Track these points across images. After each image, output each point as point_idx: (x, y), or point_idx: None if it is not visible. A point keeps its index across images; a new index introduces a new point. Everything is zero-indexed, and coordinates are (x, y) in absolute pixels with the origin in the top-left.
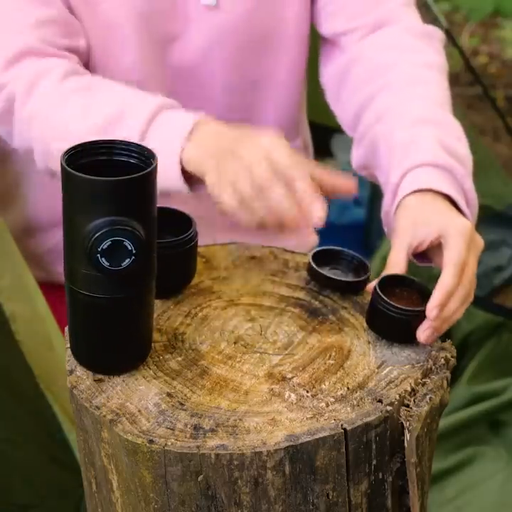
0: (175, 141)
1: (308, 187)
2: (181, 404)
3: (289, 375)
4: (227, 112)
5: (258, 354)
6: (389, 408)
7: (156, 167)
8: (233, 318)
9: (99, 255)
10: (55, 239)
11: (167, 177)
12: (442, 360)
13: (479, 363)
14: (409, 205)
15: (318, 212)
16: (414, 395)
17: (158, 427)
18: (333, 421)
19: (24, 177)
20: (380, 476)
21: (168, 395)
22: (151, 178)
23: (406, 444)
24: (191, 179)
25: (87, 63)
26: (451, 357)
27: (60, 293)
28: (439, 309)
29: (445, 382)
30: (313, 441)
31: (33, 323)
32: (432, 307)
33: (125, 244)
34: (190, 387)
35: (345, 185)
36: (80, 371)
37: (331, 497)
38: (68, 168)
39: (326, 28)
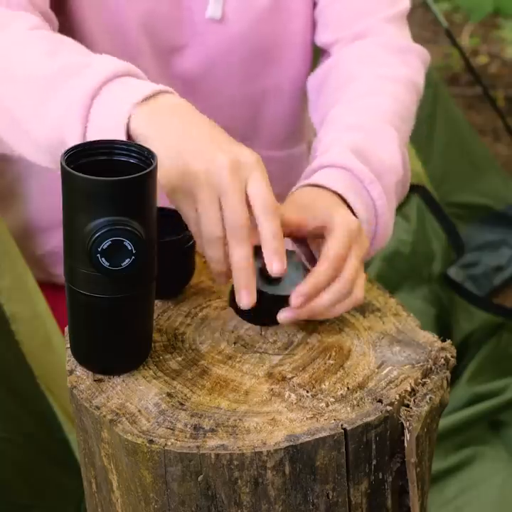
0: (124, 105)
1: (279, 239)
2: (181, 404)
3: (289, 375)
4: (233, 121)
5: (258, 354)
6: (389, 408)
7: (156, 167)
8: (233, 318)
9: (99, 255)
10: (54, 241)
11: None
12: (442, 360)
13: (479, 363)
14: (297, 194)
15: (276, 267)
16: (414, 395)
17: (158, 427)
18: (333, 421)
19: (25, 178)
20: (380, 476)
21: (168, 395)
22: (151, 178)
23: (406, 444)
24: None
25: None
26: (451, 357)
27: (60, 293)
28: (305, 298)
29: (445, 382)
30: (313, 441)
31: (33, 324)
32: (297, 295)
33: (125, 244)
34: (190, 387)
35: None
36: (80, 371)
37: (331, 497)
38: (68, 168)
39: (317, 39)
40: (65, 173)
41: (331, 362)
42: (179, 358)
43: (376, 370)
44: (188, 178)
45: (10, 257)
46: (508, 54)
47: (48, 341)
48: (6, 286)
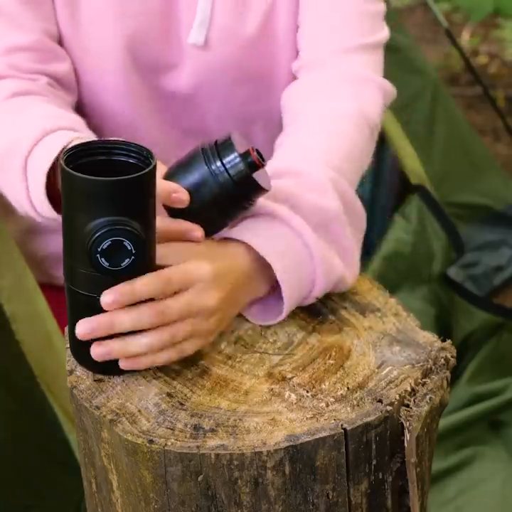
0: (46, 160)
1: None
2: (181, 404)
3: (289, 375)
4: None
5: (258, 354)
6: (389, 408)
7: (155, 167)
8: (233, 318)
9: (99, 255)
10: (55, 244)
11: (36, 198)
12: (442, 360)
13: (479, 363)
14: (206, 247)
15: None
16: (414, 395)
17: (158, 427)
18: (333, 421)
19: None
20: (380, 476)
21: (168, 395)
22: (150, 177)
23: (406, 444)
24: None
25: (73, 86)
26: (451, 357)
27: (60, 294)
28: (114, 298)
29: (445, 382)
30: (313, 441)
31: (33, 323)
32: (107, 292)
33: (125, 244)
34: (190, 387)
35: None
36: (80, 371)
37: (331, 497)
38: (67, 168)
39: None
40: (64, 173)
41: (331, 362)
42: None
43: (376, 370)
44: None
45: (10, 257)
46: (508, 54)
47: (48, 341)
48: (6, 286)
